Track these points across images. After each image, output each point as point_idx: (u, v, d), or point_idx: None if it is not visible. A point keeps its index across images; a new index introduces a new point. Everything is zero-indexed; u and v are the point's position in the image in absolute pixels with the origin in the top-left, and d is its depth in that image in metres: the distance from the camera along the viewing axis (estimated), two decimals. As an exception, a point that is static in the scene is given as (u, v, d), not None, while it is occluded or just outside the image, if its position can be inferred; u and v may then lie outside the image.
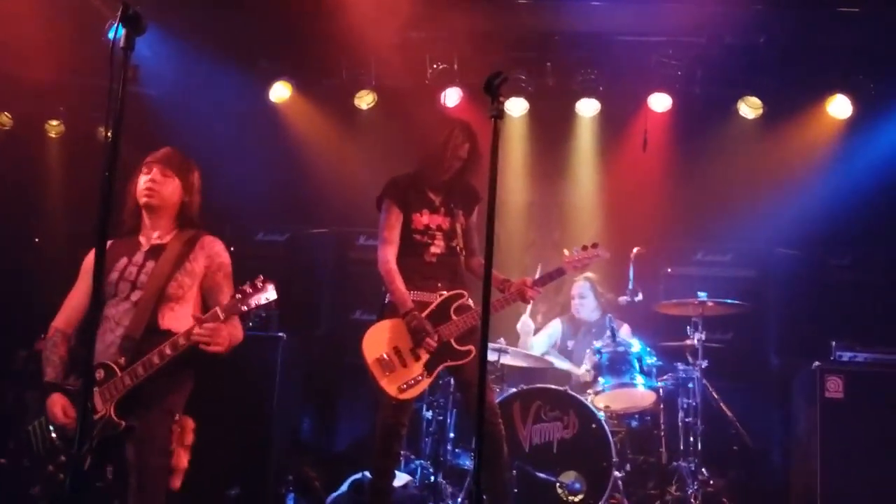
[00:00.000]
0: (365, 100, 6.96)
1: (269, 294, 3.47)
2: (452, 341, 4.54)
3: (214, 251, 3.73)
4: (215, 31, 6.45)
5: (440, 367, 4.55)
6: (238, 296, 3.47)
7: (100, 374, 3.46)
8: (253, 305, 3.47)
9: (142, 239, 3.73)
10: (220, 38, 6.52)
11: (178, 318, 3.61)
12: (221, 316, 3.47)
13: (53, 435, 3.53)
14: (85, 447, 2.74)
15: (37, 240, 6.64)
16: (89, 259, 3.75)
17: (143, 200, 3.70)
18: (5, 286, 6.05)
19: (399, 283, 4.54)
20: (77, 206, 6.57)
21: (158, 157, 3.75)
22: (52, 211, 6.83)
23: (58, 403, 3.50)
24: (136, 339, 3.50)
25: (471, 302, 4.64)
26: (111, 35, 5.90)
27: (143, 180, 3.71)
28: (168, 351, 3.46)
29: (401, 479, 5.24)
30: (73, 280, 3.79)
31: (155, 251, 3.68)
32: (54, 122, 7.03)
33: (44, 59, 6.30)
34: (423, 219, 4.68)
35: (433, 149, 4.68)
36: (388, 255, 4.61)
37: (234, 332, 3.60)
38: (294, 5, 5.94)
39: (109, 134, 2.72)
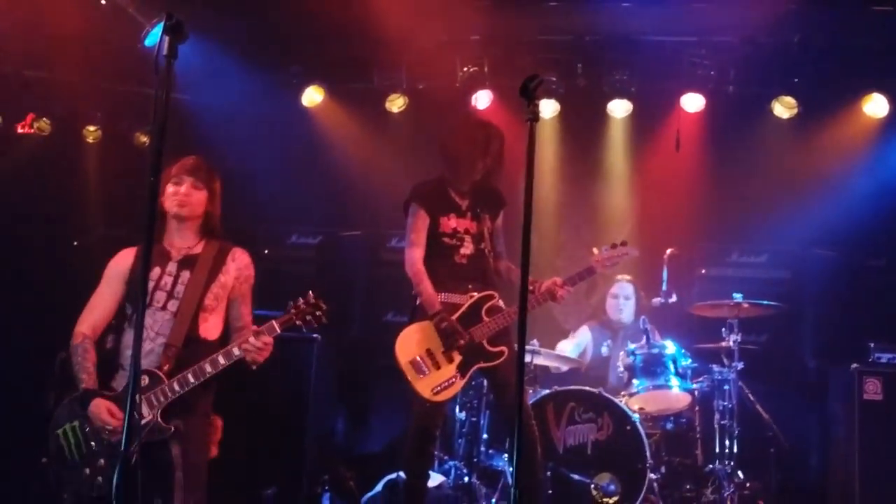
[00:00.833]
0: (396, 103, 6.99)
1: (321, 311, 3.63)
2: (485, 343, 4.54)
3: (244, 264, 3.88)
4: (248, 37, 6.53)
5: (473, 369, 4.56)
6: (293, 310, 3.61)
7: (144, 380, 3.53)
8: (307, 321, 3.62)
9: (168, 247, 3.79)
10: (253, 44, 6.60)
11: (212, 327, 3.75)
12: (278, 329, 3.61)
13: (92, 441, 3.57)
14: (132, 448, 2.79)
15: (76, 242, 6.74)
16: (115, 263, 3.81)
17: (174, 211, 3.77)
18: (45, 288, 6.16)
19: (427, 284, 4.55)
20: (114, 210, 6.67)
21: (188, 168, 3.79)
22: (90, 214, 6.94)
23: (103, 407, 3.55)
24: (177, 348, 3.61)
25: (502, 303, 4.64)
26: (148, 42, 6.02)
27: (173, 191, 3.76)
28: (222, 361, 3.59)
29: (435, 479, 5.26)
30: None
31: (187, 262, 3.76)
32: (91, 128, 7.13)
33: (81, 66, 6.42)
34: (451, 222, 4.69)
35: (460, 151, 4.69)
36: (416, 256, 4.62)
37: None
38: (325, 10, 5.98)
39: (152, 141, 2.77)
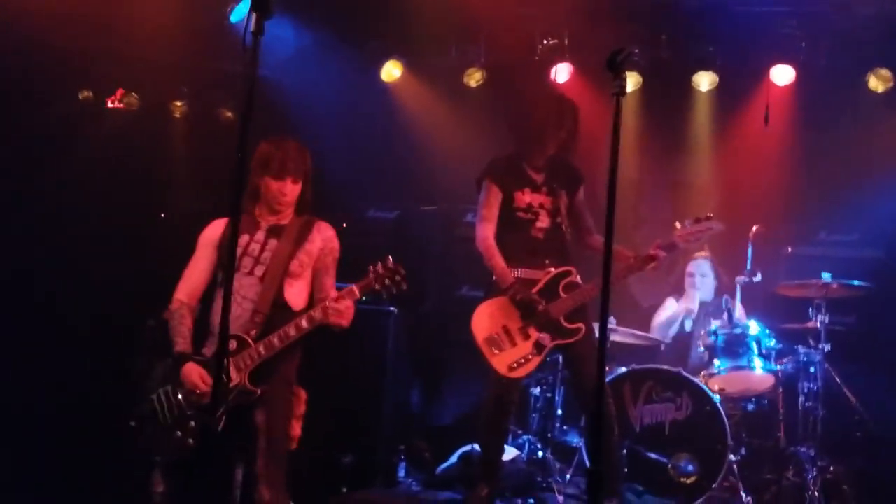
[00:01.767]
0: (474, 77, 6.94)
1: (400, 276, 3.65)
2: (562, 319, 4.52)
3: (328, 236, 3.95)
4: (327, 12, 6.57)
5: (550, 346, 4.54)
6: (372, 275, 3.65)
7: (232, 344, 3.64)
8: (386, 285, 3.65)
9: (258, 217, 3.90)
10: (332, 19, 6.63)
11: (297, 294, 3.82)
12: (357, 294, 3.67)
13: (183, 402, 3.70)
14: (220, 411, 2.87)
15: (163, 215, 6.95)
16: (208, 233, 3.93)
17: (276, 206, 3.88)
18: (134, 259, 6.38)
19: (499, 258, 4.54)
20: (200, 183, 6.84)
21: (291, 161, 3.84)
22: (177, 187, 7.13)
23: (195, 371, 3.67)
24: (264, 313, 3.70)
25: (579, 279, 4.60)
26: (233, 18, 6.12)
27: (276, 187, 3.84)
28: (305, 324, 3.67)
29: (509, 453, 5.27)
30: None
31: (275, 230, 3.86)
32: (178, 103, 7.32)
33: (167, 42, 6.56)
34: (526, 197, 4.66)
35: (533, 125, 4.64)
36: (487, 231, 4.61)
37: None
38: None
39: (240, 118, 2.81)
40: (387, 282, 3.65)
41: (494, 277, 4.61)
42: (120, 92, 7.14)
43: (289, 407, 3.79)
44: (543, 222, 4.65)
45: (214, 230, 3.93)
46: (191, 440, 3.64)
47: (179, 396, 3.71)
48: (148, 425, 3.74)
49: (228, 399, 3.56)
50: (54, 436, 5.73)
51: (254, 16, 2.80)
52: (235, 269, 3.73)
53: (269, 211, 3.91)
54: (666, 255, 4.56)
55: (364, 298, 3.74)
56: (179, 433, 3.67)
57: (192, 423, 3.67)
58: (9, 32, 5.83)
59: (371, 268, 3.68)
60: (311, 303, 3.89)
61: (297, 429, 3.82)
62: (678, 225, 4.59)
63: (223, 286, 3.74)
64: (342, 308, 3.65)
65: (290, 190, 3.87)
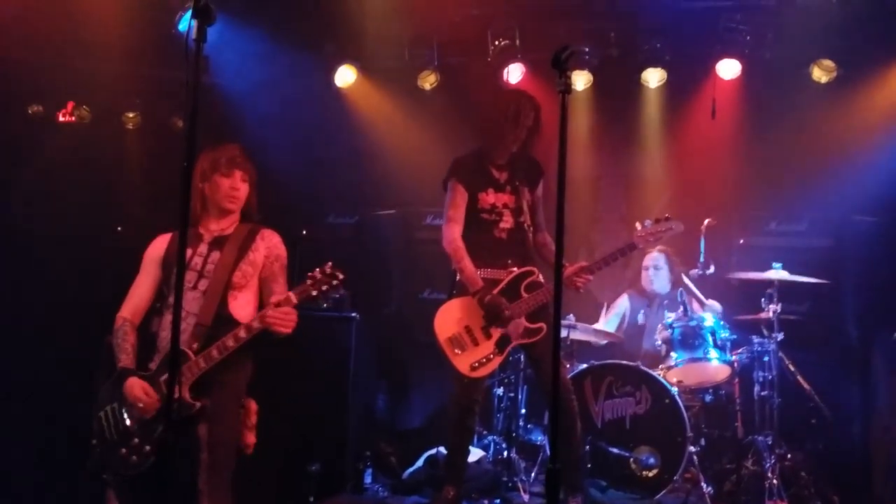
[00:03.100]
0: (428, 80, 6.97)
1: (337, 280, 3.61)
2: (523, 318, 4.57)
3: (273, 243, 3.92)
4: (279, 18, 6.56)
5: (511, 345, 4.59)
6: (309, 281, 3.62)
7: None
8: (323, 290, 3.61)
9: (202, 231, 3.87)
10: (285, 25, 6.62)
11: (242, 306, 3.80)
12: (294, 300, 3.63)
13: (127, 420, 3.68)
14: (162, 428, 2.86)
15: (119, 228, 6.88)
16: (151, 250, 3.92)
17: (225, 205, 3.87)
18: (91, 274, 6.30)
19: (467, 261, 4.57)
20: (155, 195, 6.78)
21: (237, 160, 3.87)
22: (132, 199, 7.05)
23: (137, 385, 3.65)
24: (207, 326, 3.69)
25: (542, 278, 4.65)
26: (181, 27, 6.09)
27: (227, 184, 3.85)
28: (242, 334, 3.64)
29: (474, 454, 5.33)
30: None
31: (218, 242, 3.85)
32: (131, 114, 7.25)
33: (118, 53, 6.50)
34: (489, 198, 4.70)
35: (500, 122, 4.67)
36: (455, 233, 4.64)
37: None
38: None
39: (186, 125, 2.81)
40: (324, 287, 3.60)
41: (459, 278, 4.64)
42: (71, 105, 7.05)
43: (236, 419, 3.76)
44: (507, 222, 4.69)
45: (158, 247, 3.91)
46: (134, 457, 3.61)
47: (124, 412, 3.69)
48: (99, 443, 3.71)
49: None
50: (13, 455, 5.66)
51: (195, 23, 2.82)
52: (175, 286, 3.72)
53: (218, 214, 3.87)
54: (590, 280, 4.57)
55: (325, 305, 3.73)
56: (124, 450, 3.63)
57: (136, 440, 3.64)
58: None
59: (309, 274, 3.65)
60: None
61: (250, 437, 3.79)
62: (638, 226, 4.65)
63: (167, 303, 3.76)
64: (280, 315, 3.62)
65: (241, 186, 3.86)
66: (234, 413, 3.77)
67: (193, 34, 2.80)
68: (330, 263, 3.65)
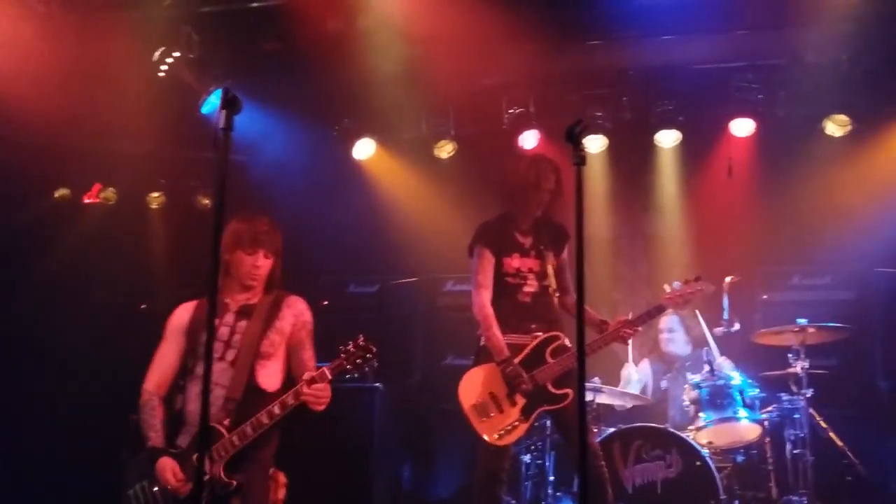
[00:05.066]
0: (445, 149, 7.09)
1: (371, 354, 3.65)
2: (549, 385, 4.52)
3: (299, 310, 3.93)
4: (299, 95, 6.73)
5: (537, 412, 4.55)
6: (343, 355, 3.64)
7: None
8: (357, 364, 3.64)
9: (227, 300, 3.87)
10: (304, 101, 6.80)
11: (269, 376, 3.80)
12: (329, 376, 3.64)
13: (159, 497, 3.66)
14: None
15: (143, 306, 6.96)
16: (175, 320, 3.91)
17: (248, 282, 3.88)
18: (117, 353, 6.35)
19: (496, 329, 4.55)
20: (180, 271, 6.88)
21: (261, 236, 3.87)
22: (157, 277, 7.16)
23: (168, 468, 3.63)
24: (237, 399, 3.68)
25: (567, 343, 4.61)
26: (204, 109, 6.26)
27: (249, 261, 3.86)
28: (277, 411, 3.64)
29: (504, 524, 5.22)
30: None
31: (244, 311, 3.85)
32: (155, 194, 7.41)
33: (143, 135, 6.69)
34: (514, 262, 4.70)
35: (522, 187, 4.71)
36: (484, 299, 4.63)
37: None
38: (372, 64, 6.13)
39: (214, 205, 2.87)
40: (358, 360, 3.64)
41: (483, 343, 4.62)
42: (97, 187, 7.22)
43: (266, 493, 3.75)
44: (531, 286, 4.69)
45: (181, 316, 3.91)
46: None
47: (156, 490, 3.68)
48: None
49: (204, 493, 3.52)
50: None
51: (223, 113, 2.91)
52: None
53: (241, 288, 3.88)
54: (638, 331, 4.61)
55: (347, 377, 3.73)
56: None
57: None
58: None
59: (342, 348, 3.67)
60: (288, 381, 3.85)
61: None
62: (667, 287, 4.64)
63: (193, 374, 3.75)
64: (316, 392, 3.63)
65: (263, 263, 3.87)
66: (266, 486, 3.76)
67: (222, 123, 2.87)
68: (362, 337, 3.68)
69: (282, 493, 3.80)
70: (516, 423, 4.50)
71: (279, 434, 3.85)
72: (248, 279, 3.87)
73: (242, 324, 3.80)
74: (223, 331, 3.79)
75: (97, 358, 6.48)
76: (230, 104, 2.92)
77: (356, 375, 3.70)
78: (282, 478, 3.83)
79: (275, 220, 4.00)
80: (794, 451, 5.38)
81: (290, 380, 3.87)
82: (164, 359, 3.87)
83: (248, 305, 3.87)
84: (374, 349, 3.65)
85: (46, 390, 6.40)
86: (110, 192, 7.27)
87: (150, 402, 3.79)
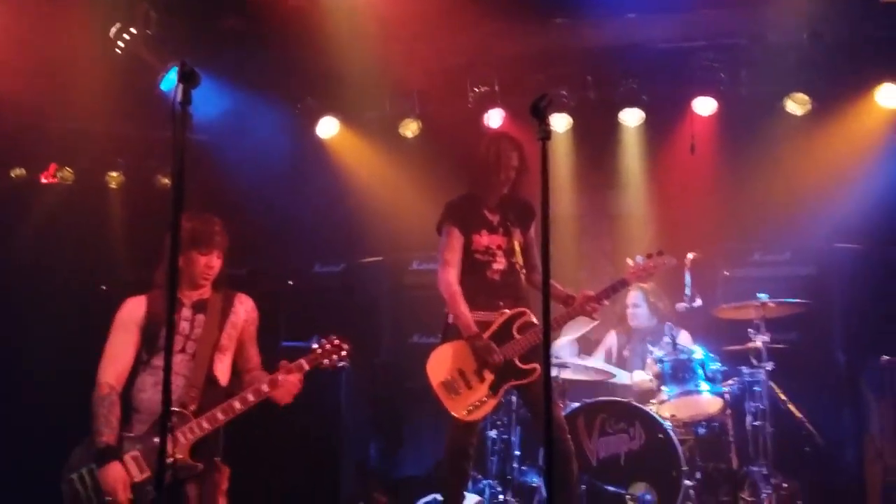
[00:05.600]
0: (409, 128, 7.06)
1: (346, 352, 3.90)
2: (516, 360, 4.55)
3: (250, 307, 4.06)
4: (261, 73, 6.64)
5: (505, 387, 4.58)
6: (319, 350, 3.83)
7: (171, 419, 3.58)
8: (332, 359, 3.86)
9: (179, 295, 3.86)
10: (266, 79, 6.71)
11: (224, 369, 3.90)
12: (306, 367, 3.80)
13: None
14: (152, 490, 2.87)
15: (103, 287, 6.86)
16: (126, 313, 3.87)
17: (200, 281, 3.92)
18: (75, 334, 6.25)
19: (463, 306, 4.57)
20: (140, 253, 6.77)
21: (215, 238, 3.92)
22: (116, 258, 7.05)
23: (119, 479, 3.58)
24: (199, 388, 3.73)
25: (534, 319, 4.64)
26: (163, 86, 6.15)
27: (203, 262, 3.89)
28: (251, 398, 3.73)
29: (470, 499, 5.26)
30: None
31: (199, 306, 3.91)
32: (114, 174, 7.28)
33: (100, 113, 6.55)
34: (483, 239, 4.71)
35: (484, 166, 4.72)
36: (451, 277, 4.64)
37: None
38: (335, 42, 6.07)
39: (172, 183, 2.85)
40: (333, 356, 3.85)
41: (451, 321, 4.64)
42: (53, 166, 7.07)
43: (219, 481, 3.80)
44: (500, 264, 4.70)
45: (135, 309, 3.87)
46: None
47: (97, 478, 3.64)
48: None
49: (167, 475, 3.47)
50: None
51: (181, 86, 2.86)
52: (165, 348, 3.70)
53: (191, 285, 3.92)
54: (604, 306, 4.67)
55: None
56: None
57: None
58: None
59: (317, 344, 3.85)
60: (233, 376, 3.93)
61: (222, 502, 3.81)
62: (630, 262, 4.68)
63: (149, 365, 3.77)
64: (293, 381, 3.78)
65: (216, 264, 3.95)
66: (219, 476, 3.82)
67: (179, 97, 2.83)
68: (335, 337, 3.89)
69: (226, 484, 3.84)
70: (485, 398, 4.53)
71: (224, 427, 3.86)
72: (201, 278, 3.93)
73: (200, 317, 3.88)
74: (183, 325, 3.83)
75: (56, 338, 6.37)
76: (187, 78, 2.89)
77: (329, 370, 3.84)
78: (226, 469, 3.87)
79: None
80: (755, 423, 5.48)
81: (234, 374, 3.94)
82: (119, 352, 3.79)
83: (202, 301, 3.93)
84: (348, 347, 3.87)
85: (2, 370, 6.29)
86: (67, 172, 7.12)
87: (110, 397, 3.70)
